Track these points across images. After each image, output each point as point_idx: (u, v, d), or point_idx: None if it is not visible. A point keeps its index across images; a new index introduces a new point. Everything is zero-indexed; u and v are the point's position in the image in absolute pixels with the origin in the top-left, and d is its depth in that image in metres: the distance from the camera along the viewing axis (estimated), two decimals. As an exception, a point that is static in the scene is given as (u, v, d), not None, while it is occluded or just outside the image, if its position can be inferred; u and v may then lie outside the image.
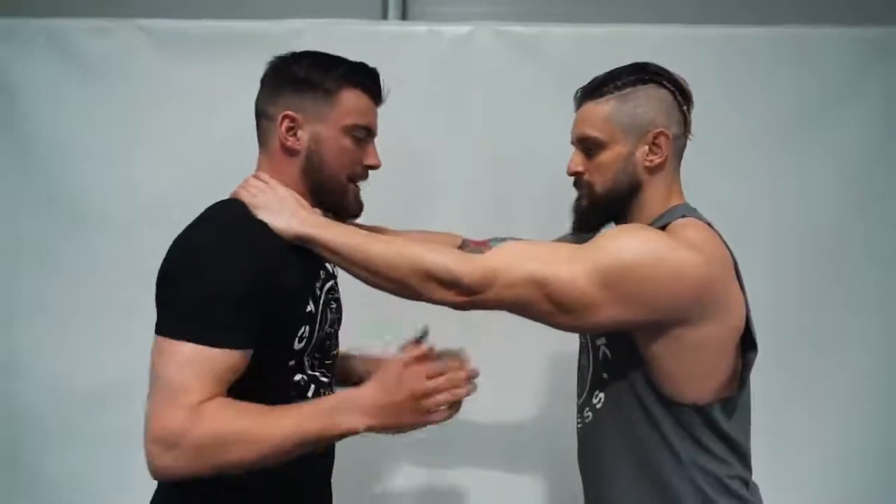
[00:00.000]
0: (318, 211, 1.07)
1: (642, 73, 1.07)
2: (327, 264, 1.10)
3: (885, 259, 1.68)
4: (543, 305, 0.97)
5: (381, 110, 1.12)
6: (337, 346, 1.17)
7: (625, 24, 1.70)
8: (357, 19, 1.76)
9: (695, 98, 1.10)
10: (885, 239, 1.68)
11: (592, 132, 1.07)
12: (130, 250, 1.63)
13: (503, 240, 1.22)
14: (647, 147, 1.06)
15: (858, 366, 1.68)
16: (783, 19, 1.72)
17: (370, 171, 1.12)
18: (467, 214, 1.66)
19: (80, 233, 1.69)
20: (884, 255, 1.68)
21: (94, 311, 1.69)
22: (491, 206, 1.68)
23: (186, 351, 0.88)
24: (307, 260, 1.03)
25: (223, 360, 0.89)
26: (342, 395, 0.92)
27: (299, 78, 1.04)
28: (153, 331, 0.92)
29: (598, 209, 1.10)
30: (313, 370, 1.07)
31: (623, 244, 0.97)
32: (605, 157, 1.07)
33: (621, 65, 1.09)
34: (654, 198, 1.08)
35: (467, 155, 1.69)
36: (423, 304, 1.02)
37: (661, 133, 1.05)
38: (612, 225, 1.11)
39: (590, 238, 1.04)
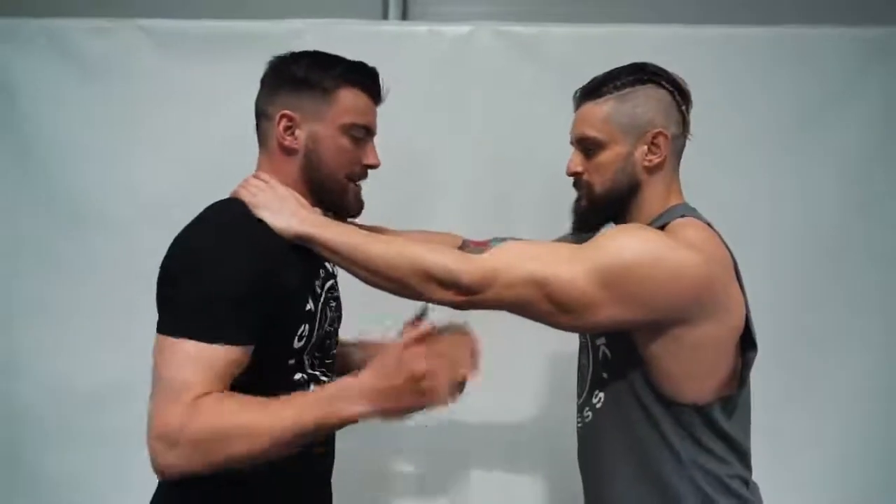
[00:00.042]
0: (318, 210, 1.07)
1: (641, 74, 1.07)
2: (327, 263, 1.10)
3: (885, 259, 1.68)
4: (543, 305, 0.97)
5: (381, 110, 1.12)
6: (337, 345, 1.17)
7: (625, 24, 1.69)
8: (357, 19, 1.76)
9: (695, 98, 1.10)
10: (885, 239, 1.68)
11: (591, 132, 1.08)
12: (130, 250, 1.63)
13: (503, 240, 1.22)
14: (645, 147, 1.06)
15: (858, 366, 1.68)
16: (783, 19, 1.72)
17: (370, 171, 1.12)
18: (467, 214, 1.65)
19: (80, 233, 1.69)
20: (884, 255, 1.68)
21: (94, 311, 1.69)
22: (491, 206, 1.68)
23: (187, 348, 0.88)
24: (307, 259, 1.03)
25: (224, 356, 0.89)
26: (341, 382, 0.90)
27: (298, 77, 1.04)
28: (154, 330, 0.92)
29: (598, 209, 1.10)
30: (313, 369, 1.07)
31: (622, 244, 0.97)
32: (605, 157, 1.07)
33: (621, 65, 1.09)
34: (653, 198, 1.08)
35: (467, 155, 1.69)
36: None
37: (660, 133, 1.05)
38: (612, 225, 1.11)
39: (589, 238, 1.04)
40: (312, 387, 1.05)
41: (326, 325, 1.09)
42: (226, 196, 1.05)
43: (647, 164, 1.06)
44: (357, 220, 1.16)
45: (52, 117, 1.68)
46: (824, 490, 1.68)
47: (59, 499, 1.70)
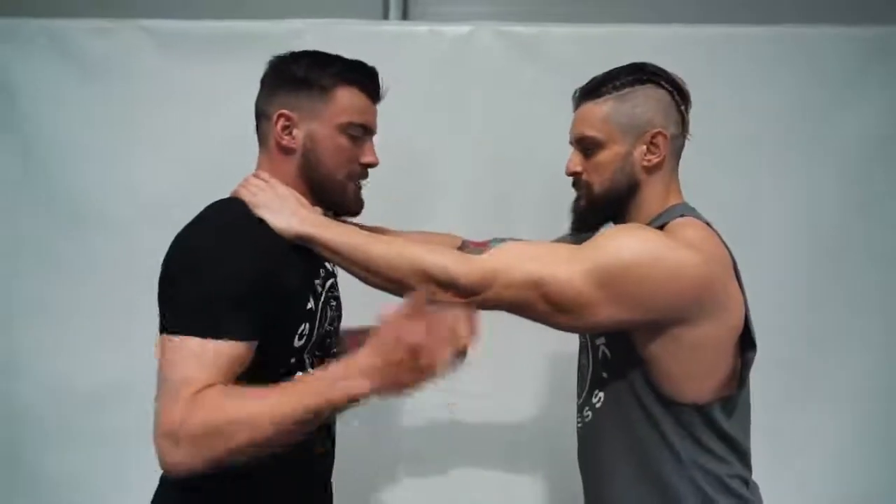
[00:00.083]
0: (318, 209, 1.07)
1: (640, 74, 1.07)
2: (327, 262, 1.10)
3: (885, 259, 1.68)
4: (541, 306, 0.97)
5: (381, 110, 1.12)
6: (337, 344, 1.17)
7: (625, 24, 1.69)
8: (358, 19, 1.76)
9: (695, 98, 1.10)
10: (885, 239, 1.68)
11: (590, 132, 1.08)
12: (130, 250, 1.63)
13: (503, 240, 1.22)
14: (644, 147, 1.06)
15: (858, 366, 1.68)
16: (783, 19, 1.72)
17: (371, 171, 1.12)
18: (467, 214, 1.66)
19: (80, 233, 1.69)
20: (884, 255, 1.68)
21: (94, 311, 1.69)
22: (491, 206, 1.68)
23: (190, 345, 0.87)
24: (307, 258, 1.03)
25: (228, 351, 0.88)
26: (340, 363, 0.87)
27: (296, 77, 1.04)
28: (154, 330, 0.92)
29: (597, 209, 1.10)
30: (314, 368, 1.07)
31: (621, 243, 0.97)
32: (604, 156, 1.07)
33: (621, 65, 1.09)
34: (652, 197, 1.08)
35: (467, 155, 1.69)
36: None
37: (659, 133, 1.05)
38: (611, 225, 1.11)
39: (588, 238, 1.04)
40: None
41: (326, 324, 1.09)
42: (226, 196, 1.05)
43: (646, 163, 1.06)
44: (357, 220, 1.16)
45: (53, 117, 1.68)
46: (824, 490, 1.68)
47: (59, 499, 1.70)
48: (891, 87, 1.65)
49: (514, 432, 1.73)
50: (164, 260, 0.96)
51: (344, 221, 1.12)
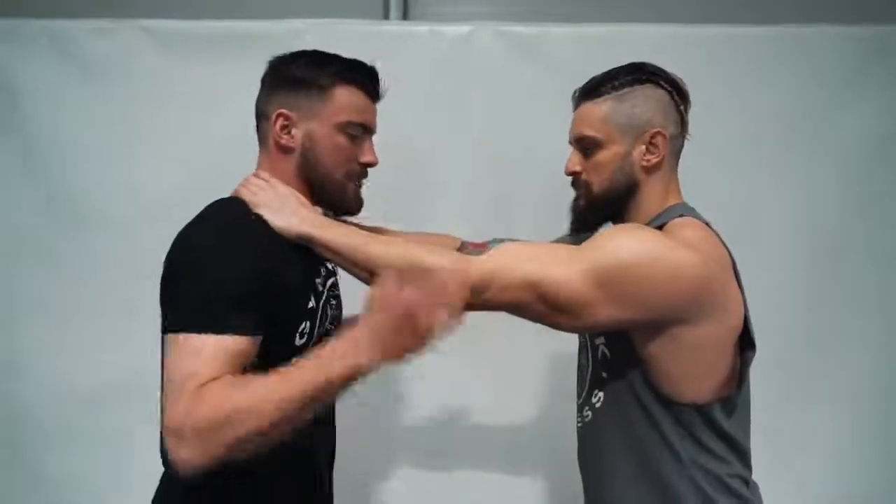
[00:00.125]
0: (318, 209, 1.07)
1: (639, 74, 1.07)
2: (328, 262, 1.10)
3: (885, 259, 1.68)
4: (539, 306, 0.97)
5: (381, 110, 1.12)
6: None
7: (625, 24, 1.69)
8: (358, 19, 1.76)
9: (695, 98, 1.10)
10: (885, 239, 1.68)
11: (590, 132, 1.08)
12: (130, 250, 1.63)
13: (502, 241, 1.22)
14: (644, 147, 1.06)
15: (858, 366, 1.68)
16: (783, 19, 1.72)
17: (370, 170, 1.12)
18: (467, 214, 1.66)
19: (80, 233, 1.69)
20: (884, 255, 1.68)
21: (94, 311, 1.69)
22: (491, 206, 1.68)
23: (193, 342, 0.87)
24: (308, 257, 1.03)
25: (231, 346, 0.88)
26: (338, 339, 0.86)
27: (295, 76, 1.04)
28: (154, 330, 0.92)
29: (596, 209, 1.10)
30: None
31: (620, 243, 0.97)
32: (603, 156, 1.07)
33: (620, 65, 1.09)
34: (651, 197, 1.08)
35: (467, 155, 1.69)
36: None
37: (658, 133, 1.05)
38: (610, 224, 1.11)
39: (588, 238, 1.04)
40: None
41: (327, 323, 1.09)
42: (226, 195, 1.05)
43: (645, 163, 1.06)
44: (357, 220, 1.16)
45: (53, 117, 1.68)
46: (824, 490, 1.68)
47: (59, 499, 1.70)
48: (891, 87, 1.65)
49: (513, 432, 1.73)
50: (166, 260, 0.96)
51: (344, 221, 1.12)
